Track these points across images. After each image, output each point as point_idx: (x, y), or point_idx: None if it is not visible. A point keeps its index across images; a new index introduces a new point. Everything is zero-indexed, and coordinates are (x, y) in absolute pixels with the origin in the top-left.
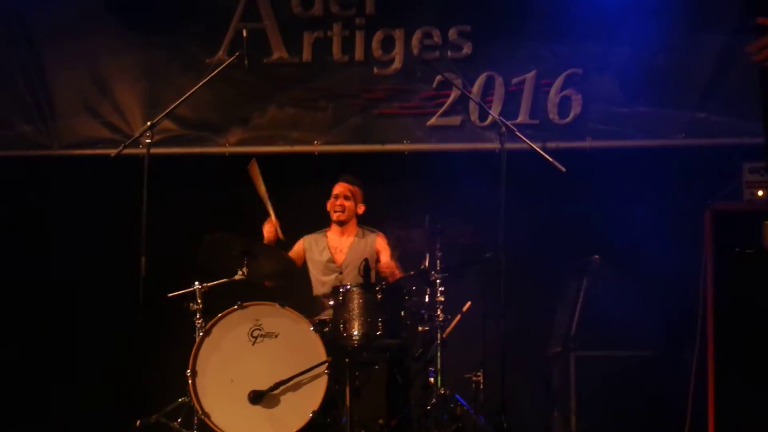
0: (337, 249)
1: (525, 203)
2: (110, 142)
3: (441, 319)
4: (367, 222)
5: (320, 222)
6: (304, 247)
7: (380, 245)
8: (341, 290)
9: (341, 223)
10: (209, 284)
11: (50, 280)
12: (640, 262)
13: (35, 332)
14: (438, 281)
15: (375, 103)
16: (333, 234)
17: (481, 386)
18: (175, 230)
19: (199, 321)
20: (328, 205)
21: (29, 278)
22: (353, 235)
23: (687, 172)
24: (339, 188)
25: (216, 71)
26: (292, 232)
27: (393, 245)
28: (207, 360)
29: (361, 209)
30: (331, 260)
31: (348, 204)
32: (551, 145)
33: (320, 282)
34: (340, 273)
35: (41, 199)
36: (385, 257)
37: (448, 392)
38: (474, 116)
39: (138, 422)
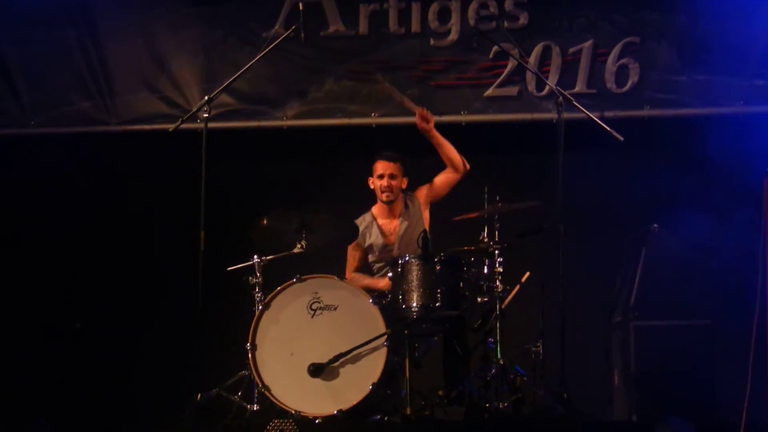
0: (389, 231)
1: (582, 173)
2: (168, 117)
3: (500, 289)
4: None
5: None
6: (359, 237)
7: (421, 194)
8: (400, 261)
9: (390, 203)
10: (268, 258)
11: (109, 256)
12: (698, 231)
13: (94, 308)
14: (496, 252)
15: (432, 74)
16: (381, 213)
17: (541, 357)
18: (234, 204)
19: (259, 294)
20: (371, 183)
21: (86, 257)
22: (399, 212)
23: (745, 139)
24: (382, 167)
25: (272, 45)
26: (350, 204)
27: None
28: (266, 333)
29: (404, 184)
30: (386, 244)
31: (394, 183)
32: (609, 114)
33: (379, 268)
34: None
35: (100, 175)
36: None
37: (507, 363)
38: (531, 86)
39: (199, 396)
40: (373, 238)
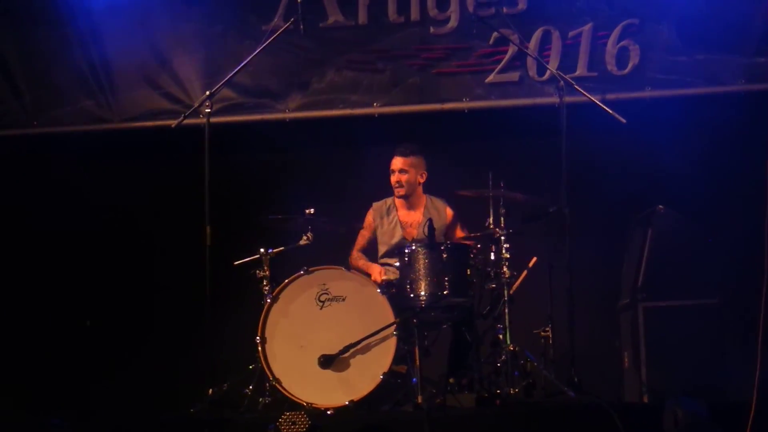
0: (408, 224)
1: (586, 156)
2: (170, 113)
3: (507, 275)
4: (429, 182)
5: (383, 184)
6: (374, 219)
7: (450, 217)
8: (406, 251)
9: (404, 197)
10: (275, 251)
11: (115, 254)
12: (704, 210)
13: (103, 306)
14: (503, 238)
15: (433, 62)
16: (401, 205)
17: (550, 341)
18: (239, 198)
19: (266, 288)
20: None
21: (92, 255)
22: (422, 207)
23: (748, 117)
24: (394, 163)
25: (272, 38)
26: (357, 195)
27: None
28: (276, 326)
29: (422, 177)
30: (404, 238)
31: (405, 178)
32: (610, 96)
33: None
34: None
35: (106, 173)
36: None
37: (517, 348)
38: (532, 71)
39: (210, 391)
40: (391, 228)
